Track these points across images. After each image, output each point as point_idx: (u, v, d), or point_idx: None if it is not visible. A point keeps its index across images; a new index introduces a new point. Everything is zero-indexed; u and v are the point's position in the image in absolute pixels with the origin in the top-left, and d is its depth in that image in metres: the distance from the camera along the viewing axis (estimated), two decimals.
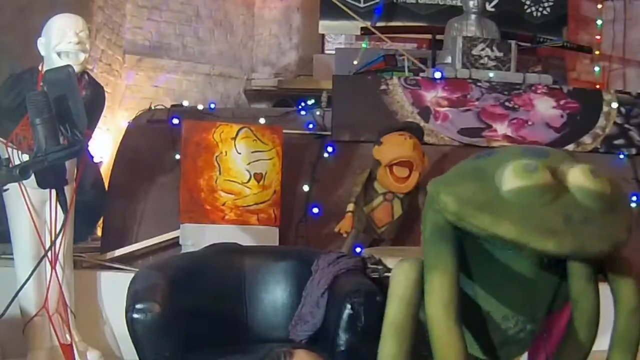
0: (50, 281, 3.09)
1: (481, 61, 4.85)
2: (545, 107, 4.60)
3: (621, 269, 1.65)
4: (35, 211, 3.10)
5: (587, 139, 4.56)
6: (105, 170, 4.50)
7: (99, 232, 4.43)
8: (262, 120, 4.28)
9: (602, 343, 1.70)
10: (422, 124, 4.30)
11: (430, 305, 1.55)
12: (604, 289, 1.67)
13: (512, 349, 1.71)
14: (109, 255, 3.97)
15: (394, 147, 3.71)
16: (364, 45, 6.28)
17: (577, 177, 1.53)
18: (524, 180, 1.49)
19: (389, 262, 3.00)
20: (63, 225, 2.75)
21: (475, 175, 1.58)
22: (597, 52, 6.69)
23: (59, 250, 3.13)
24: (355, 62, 6.04)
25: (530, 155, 1.57)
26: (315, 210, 4.13)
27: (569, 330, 1.62)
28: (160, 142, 4.30)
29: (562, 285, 1.60)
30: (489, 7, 6.32)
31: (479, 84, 4.61)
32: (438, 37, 5.84)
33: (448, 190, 1.57)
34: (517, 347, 1.71)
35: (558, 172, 1.54)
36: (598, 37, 6.76)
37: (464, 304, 1.57)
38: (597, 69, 6.67)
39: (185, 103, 4.90)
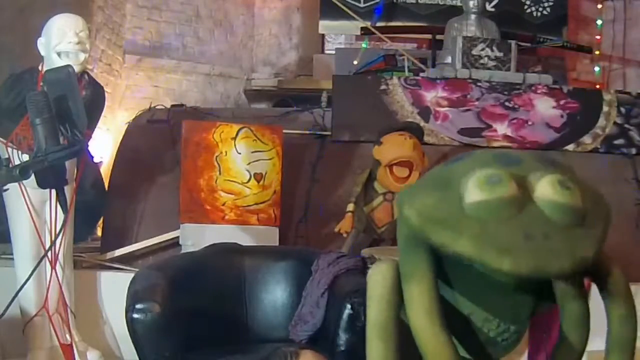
0: (50, 281, 3.09)
1: (481, 61, 4.85)
2: (545, 107, 4.60)
3: (610, 274, 1.64)
4: (35, 211, 3.10)
5: (587, 139, 4.56)
6: (105, 170, 4.50)
7: (99, 232, 4.43)
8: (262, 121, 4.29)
9: (601, 344, 1.70)
10: (422, 124, 4.30)
11: (413, 315, 1.53)
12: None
13: (498, 348, 1.70)
14: (109, 255, 3.97)
15: (394, 147, 3.70)
16: (364, 45, 6.28)
17: (545, 188, 1.46)
18: (486, 194, 1.43)
19: None
20: (63, 225, 2.76)
21: (440, 184, 1.54)
22: (597, 52, 6.69)
23: (59, 250, 3.13)
24: (355, 62, 6.05)
25: (499, 164, 1.51)
26: (315, 210, 4.13)
27: (561, 332, 1.62)
28: (160, 142, 4.30)
29: (545, 287, 1.57)
30: (489, 7, 6.32)
31: (479, 84, 4.61)
32: (438, 37, 5.84)
33: (411, 203, 1.53)
34: (503, 346, 1.70)
35: (526, 182, 1.48)
36: (598, 37, 6.76)
37: (445, 308, 1.56)
38: (597, 69, 6.67)
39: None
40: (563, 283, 1.52)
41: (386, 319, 1.57)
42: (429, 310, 1.51)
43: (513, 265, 1.38)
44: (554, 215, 1.44)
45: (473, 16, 5.44)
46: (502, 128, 4.54)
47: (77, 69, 2.85)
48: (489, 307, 1.61)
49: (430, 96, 4.56)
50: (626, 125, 4.61)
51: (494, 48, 4.89)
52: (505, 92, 4.61)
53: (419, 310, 1.52)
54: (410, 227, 1.53)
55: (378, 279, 1.61)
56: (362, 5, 6.48)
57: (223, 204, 3.85)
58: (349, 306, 2.66)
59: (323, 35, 6.99)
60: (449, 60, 5.06)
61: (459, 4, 6.06)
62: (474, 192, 1.46)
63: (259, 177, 3.91)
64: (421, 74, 4.95)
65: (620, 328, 1.63)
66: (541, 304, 1.63)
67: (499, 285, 1.52)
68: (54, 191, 2.00)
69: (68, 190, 2.43)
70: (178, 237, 3.88)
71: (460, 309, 1.63)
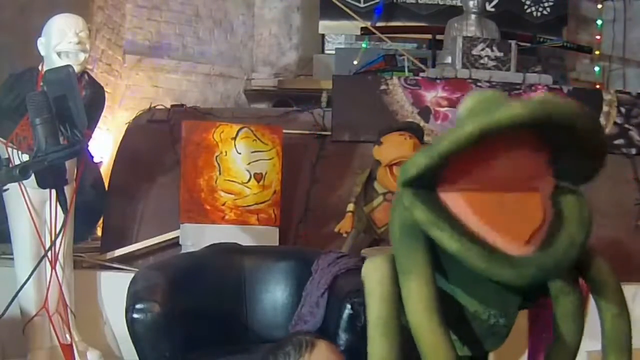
0: (50, 281, 3.09)
1: (481, 61, 4.85)
2: None
3: (601, 273, 1.63)
4: (35, 211, 3.10)
5: None
6: (105, 170, 4.50)
7: (99, 232, 4.43)
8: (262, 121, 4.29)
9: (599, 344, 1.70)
10: (422, 124, 4.30)
11: (411, 311, 1.52)
12: None
13: (488, 341, 1.70)
14: (109, 255, 3.97)
15: (394, 147, 3.70)
16: (364, 45, 6.28)
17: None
18: (479, 96, 1.47)
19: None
20: (63, 225, 2.76)
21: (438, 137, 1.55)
22: (597, 52, 6.68)
23: (59, 250, 3.13)
24: (355, 62, 6.05)
25: None
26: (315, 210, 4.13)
27: (554, 327, 1.61)
28: (160, 142, 4.30)
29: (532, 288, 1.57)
30: (489, 7, 6.32)
31: (479, 84, 4.61)
32: (438, 37, 5.84)
33: (411, 158, 1.52)
34: (493, 339, 1.70)
35: None
36: (598, 37, 6.76)
37: (441, 297, 1.54)
38: (597, 69, 6.67)
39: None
40: (558, 277, 1.51)
41: (387, 316, 1.56)
42: (427, 306, 1.50)
43: (524, 107, 1.32)
44: None
45: (473, 16, 5.44)
46: None
47: (77, 69, 2.85)
48: (480, 299, 1.61)
49: (430, 96, 4.56)
50: (626, 125, 4.61)
51: (494, 48, 4.89)
52: (505, 92, 4.60)
53: (418, 306, 1.51)
54: (418, 169, 1.45)
55: (375, 276, 1.59)
56: (362, 5, 6.48)
57: (223, 204, 3.85)
58: (349, 306, 2.66)
59: (323, 35, 6.99)
60: (449, 60, 5.06)
61: (459, 4, 6.05)
62: (466, 101, 1.47)
63: (259, 177, 3.91)
64: (421, 74, 4.95)
65: (614, 326, 1.63)
66: (529, 296, 1.63)
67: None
68: (54, 191, 2.00)
69: (68, 190, 2.43)
70: (178, 237, 3.88)
71: (454, 298, 1.63)
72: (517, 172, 1.47)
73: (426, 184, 1.49)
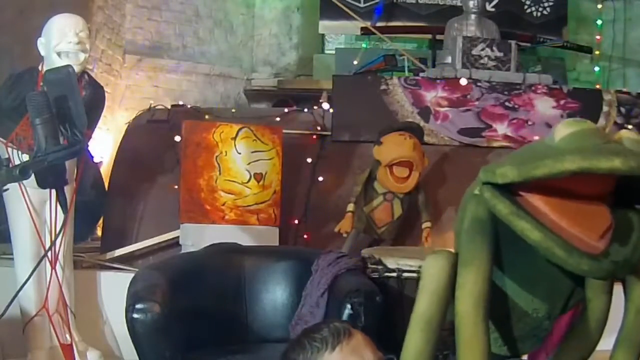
0: (50, 281, 3.09)
1: (481, 61, 4.85)
2: (545, 107, 4.60)
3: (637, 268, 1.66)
4: (35, 211, 3.10)
5: None
6: (105, 170, 4.50)
7: (99, 232, 4.43)
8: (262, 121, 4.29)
9: (607, 342, 1.71)
10: (422, 124, 4.31)
11: (461, 300, 1.57)
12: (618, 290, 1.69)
13: (527, 343, 1.74)
14: (109, 255, 3.97)
15: (394, 147, 3.71)
16: (364, 45, 6.29)
17: (625, 134, 1.57)
18: (575, 127, 1.52)
19: (389, 262, 3.00)
20: (63, 225, 2.76)
21: (523, 150, 1.60)
22: (597, 52, 6.69)
23: (59, 250, 3.13)
24: (355, 62, 6.05)
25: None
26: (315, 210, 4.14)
27: (577, 327, 1.64)
28: (160, 142, 4.30)
29: (577, 290, 1.63)
30: (489, 7, 6.32)
31: (479, 84, 4.61)
32: (438, 37, 5.84)
33: (501, 165, 1.58)
34: (533, 341, 1.74)
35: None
36: (598, 37, 6.76)
37: (492, 292, 1.59)
38: (597, 69, 6.67)
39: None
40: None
41: (433, 314, 1.61)
42: (477, 299, 1.55)
43: (624, 163, 1.42)
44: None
45: (473, 16, 5.44)
46: (502, 128, 4.54)
47: (77, 69, 2.85)
48: (535, 295, 1.65)
49: (430, 96, 4.56)
50: (626, 125, 4.61)
51: (494, 48, 4.89)
52: (505, 92, 4.61)
53: (469, 297, 1.56)
54: (505, 179, 1.53)
55: (433, 274, 1.64)
56: (362, 5, 6.48)
57: (223, 204, 3.85)
58: (349, 306, 2.66)
59: (323, 35, 7.00)
60: (449, 60, 5.06)
61: (459, 4, 6.06)
62: (563, 130, 1.53)
63: (259, 177, 3.91)
64: (421, 74, 4.95)
65: (635, 322, 1.65)
66: (571, 301, 1.67)
67: (546, 272, 1.58)
68: (54, 191, 2.00)
69: (68, 190, 2.43)
70: (178, 237, 3.88)
71: (508, 296, 1.66)
72: (589, 190, 1.56)
73: (506, 187, 1.58)
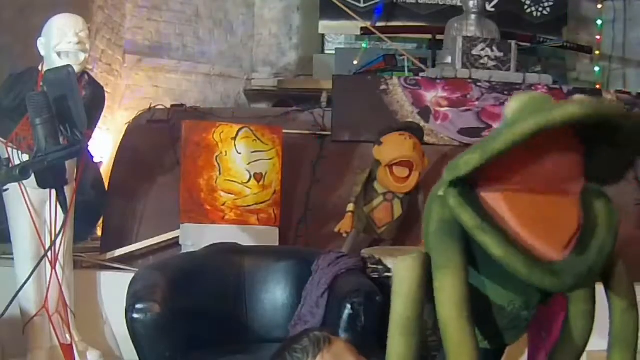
0: (50, 281, 3.09)
1: (481, 61, 4.85)
2: None
3: (616, 269, 1.65)
4: (35, 211, 3.10)
5: None
6: (105, 170, 4.50)
7: (99, 232, 4.43)
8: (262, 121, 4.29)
9: (603, 343, 1.70)
10: (422, 124, 4.30)
11: (442, 305, 1.54)
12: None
13: (508, 335, 1.72)
14: (109, 255, 3.97)
15: (394, 147, 3.70)
16: (364, 45, 6.29)
17: (576, 97, 1.54)
18: (523, 98, 1.49)
19: (389, 262, 3.01)
20: (63, 225, 2.76)
21: (482, 139, 1.58)
22: (597, 52, 6.69)
23: (59, 250, 3.13)
24: (355, 62, 6.05)
25: None
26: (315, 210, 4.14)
27: (565, 326, 1.63)
28: (160, 142, 4.30)
29: None
30: (489, 7, 6.32)
31: (479, 84, 4.61)
32: (438, 37, 5.84)
33: (462, 155, 1.52)
34: (514, 332, 1.73)
35: None
36: (598, 37, 6.76)
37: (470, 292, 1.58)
38: (597, 69, 6.67)
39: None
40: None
41: (411, 316, 1.58)
42: (459, 302, 1.53)
43: (579, 108, 1.37)
44: None
45: (473, 16, 5.43)
46: None
47: (77, 69, 2.85)
48: (509, 290, 1.63)
49: (430, 96, 4.56)
50: None
51: (494, 48, 4.89)
52: (505, 92, 4.60)
53: (450, 301, 1.54)
54: (470, 168, 1.47)
55: (406, 276, 1.61)
56: (362, 5, 6.49)
57: (223, 204, 3.85)
58: (349, 306, 2.66)
59: (323, 35, 7.00)
60: (449, 60, 5.06)
61: (459, 4, 6.06)
62: (512, 104, 1.49)
63: (259, 177, 3.91)
64: (421, 74, 4.95)
65: (622, 322, 1.64)
66: (550, 294, 1.65)
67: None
68: (54, 191, 2.00)
69: (68, 190, 2.43)
70: (178, 237, 3.87)
71: (482, 290, 1.65)
72: (555, 172, 1.51)
73: (468, 183, 1.52)
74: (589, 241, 1.50)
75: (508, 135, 1.40)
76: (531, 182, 1.50)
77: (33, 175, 1.82)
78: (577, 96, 1.58)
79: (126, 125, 4.59)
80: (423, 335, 1.60)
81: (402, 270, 1.64)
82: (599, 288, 1.68)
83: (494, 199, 1.51)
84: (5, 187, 1.96)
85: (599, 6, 6.81)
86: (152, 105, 4.59)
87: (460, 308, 1.52)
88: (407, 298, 1.59)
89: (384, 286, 2.87)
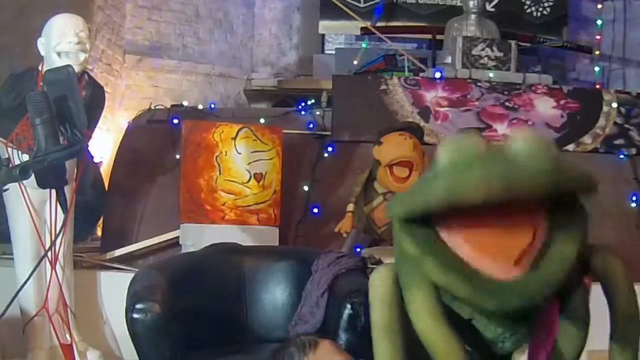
0: (50, 281, 3.09)
1: (481, 61, 4.85)
2: (545, 107, 4.60)
3: (612, 270, 1.64)
4: (35, 211, 3.10)
5: (587, 139, 4.57)
6: (105, 170, 4.50)
7: (99, 232, 4.43)
8: (262, 120, 4.29)
9: (604, 342, 1.70)
10: (422, 124, 4.31)
11: (418, 319, 1.52)
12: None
13: (501, 347, 1.71)
14: (109, 255, 3.97)
15: (394, 147, 3.70)
16: (364, 45, 6.29)
17: (514, 134, 1.43)
18: (451, 147, 1.41)
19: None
20: (63, 225, 2.76)
21: (421, 177, 1.54)
22: (597, 52, 6.69)
23: (59, 250, 3.13)
24: (355, 62, 6.05)
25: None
26: (315, 210, 4.14)
27: (560, 325, 1.62)
28: (160, 142, 4.30)
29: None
30: (489, 7, 6.32)
31: (479, 84, 4.61)
32: (438, 37, 5.84)
33: (395, 199, 1.53)
34: (506, 346, 1.71)
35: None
36: (598, 37, 6.76)
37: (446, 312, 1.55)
38: (597, 69, 6.67)
39: (185, 103, 4.90)
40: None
41: (390, 320, 1.58)
42: (432, 311, 1.51)
43: (485, 189, 1.30)
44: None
45: (473, 16, 5.44)
46: (502, 128, 4.54)
47: (77, 69, 2.84)
48: (487, 314, 1.60)
49: (430, 96, 4.56)
50: (626, 125, 4.61)
51: (494, 48, 4.89)
52: (505, 92, 4.61)
53: (423, 312, 1.52)
54: (396, 220, 1.49)
55: (379, 283, 1.62)
56: (362, 5, 6.48)
57: (223, 204, 3.85)
58: (349, 306, 2.66)
59: (323, 35, 6.99)
60: (449, 60, 5.06)
61: (459, 4, 6.06)
62: (440, 151, 1.42)
63: (259, 177, 3.91)
64: (421, 74, 4.95)
65: (623, 324, 1.63)
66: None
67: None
68: (54, 191, 2.00)
69: (68, 190, 2.43)
70: (178, 237, 3.88)
71: (461, 314, 1.63)
72: (510, 204, 1.42)
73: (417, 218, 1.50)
74: (547, 254, 1.43)
75: (421, 203, 1.39)
76: (482, 215, 1.42)
77: (33, 175, 1.82)
78: (513, 134, 1.41)
79: (126, 125, 4.59)
80: (411, 332, 1.60)
81: (376, 279, 1.65)
82: (599, 288, 1.67)
83: (445, 223, 1.47)
84: (5, 187, 1.96)
85: (599, 6, 6.81)
86: (152, 105, 4.59)
87: (436, 317, 1.50)
88: (382, 302, 1.59)
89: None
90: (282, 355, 1.46)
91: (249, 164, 3.89)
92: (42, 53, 3.13)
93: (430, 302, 1.52)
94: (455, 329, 1.54)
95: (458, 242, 1.46)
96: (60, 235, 3.08)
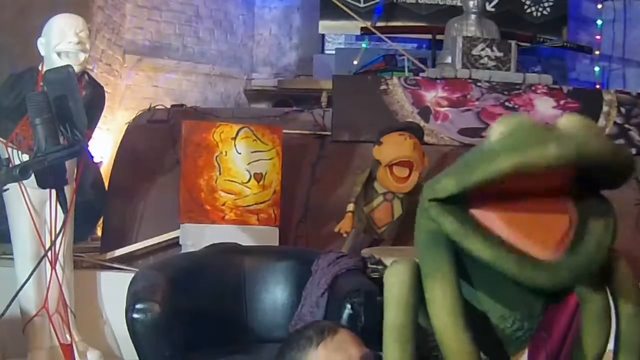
0: (50, 281, 3.09)
1: (481, 61, 4.85)
2: (545, 107, 4.60)
3: (619, 271, 1.65)
4: (35, 211, 3.10)
5: None
6: (105, 170, 4.50)
7: (99, 232, 4.43)
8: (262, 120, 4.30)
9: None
10: (422, 124, 4.30)
11: (436, 315, 1.53)
12: None
13: (511, 346, 1.71)
14: (109, 255, 3.97)
15: (394, 147, 3.70)
16: (364, 45, 6.29)
17: (563, 119, 1.45)
18: (508, 123, 1.43)
19: (389, 262, 3.00)
20: (63, 225, 2.76)
21: (463, 157, 1.51)
22: (597, 52, 6.69)
23: (59, 250, 3.13)
24: (355, 62, 6.05)
25: None
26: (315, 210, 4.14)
27: (581, 330, 1.62)
28: (160, 142, 4.30)
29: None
30: (489, 7, 6.33)
31: (479, 84, 4.61)
32: (438, 37, 5.84)
33: (440, 179, 1.50)
34: (516, 344, 1.71)
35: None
36: (598, 37, 6.76)
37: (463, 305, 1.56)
38: (597, 69, 6.67)
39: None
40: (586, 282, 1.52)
41: (404, 322, 1.57)
42: (452, 309, 1.51)
43: (558, 149, 1.31)
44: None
45: (473, 16, 5.44)
46: None
47: (77, 69, 2.84)
48: (506, 303, 1.61)
49: (430, 96, 4.56)
50: (626, 125, 4.61)
51: (494, 48, 4.89)
52: (505, 92, 4.61)
53: (443, 309, 1.52)
54: (447, 193, 1.46)
55: (395, 281, 1.61)
56: (362, 5, 6.48)
57: (223, 204, 3.85)
58: (349, 306, 2.66)
59: (323, 35, 7.00)
60: (449, 60, 5.06)
61: (459, 4, 6.06)
62: (496, 128, 1.43)
63: (259, 177, 3.91)
64: (421, 74, 4.95)
65: (629, 326, 1.63)
66: (554, 298, 1.64)
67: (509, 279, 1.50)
68: (54, 191, 2.00)
69: (68, 190, 2.43)
70: (178, 237, 3.88)
71: (477, 306, 1.64)
72: (545, 185, 1.48)
73: (454, 200, 1.50)
74: (585, 238, 1.47)
75: (483, 171, 1.38)
76: (518, 196, 1.47)
77: (33, 175, 1.82)
78: (566, 119, 1.46)
79: (126, 125, 4.59)
80: (422, 336, 1.60)
81: (392, 275, 1.64)
82: None
83: (483, 208, 1.49)
84: (5, 187, 1.96)
85: (599, 6, 6.81)
86: (152, 105, 4.59)
87: (454, 316, 1.50)
88: (398, 304, 1.59)
89: (384, 286, 2.87)
90: (299, 338, 1.46)
91: (249, 164, 3.89)
92: (42, 53, 3.13)
93: (452, 293, 1.52)
94: (470, 326, 1.54)
95: (497, 224, 1.47)
96: (60, 235, 3.08)
